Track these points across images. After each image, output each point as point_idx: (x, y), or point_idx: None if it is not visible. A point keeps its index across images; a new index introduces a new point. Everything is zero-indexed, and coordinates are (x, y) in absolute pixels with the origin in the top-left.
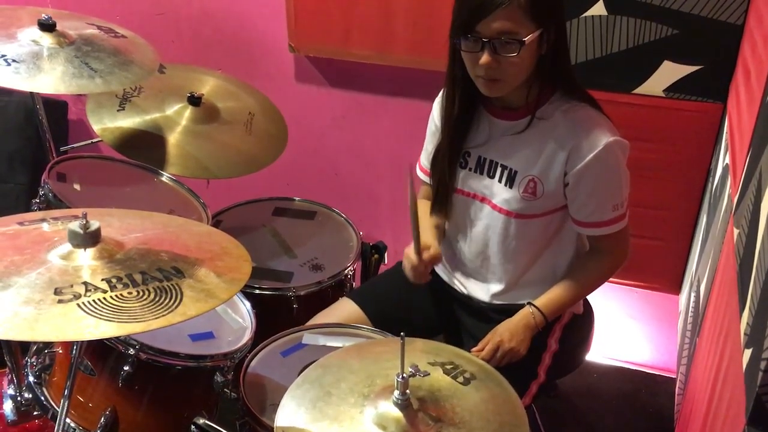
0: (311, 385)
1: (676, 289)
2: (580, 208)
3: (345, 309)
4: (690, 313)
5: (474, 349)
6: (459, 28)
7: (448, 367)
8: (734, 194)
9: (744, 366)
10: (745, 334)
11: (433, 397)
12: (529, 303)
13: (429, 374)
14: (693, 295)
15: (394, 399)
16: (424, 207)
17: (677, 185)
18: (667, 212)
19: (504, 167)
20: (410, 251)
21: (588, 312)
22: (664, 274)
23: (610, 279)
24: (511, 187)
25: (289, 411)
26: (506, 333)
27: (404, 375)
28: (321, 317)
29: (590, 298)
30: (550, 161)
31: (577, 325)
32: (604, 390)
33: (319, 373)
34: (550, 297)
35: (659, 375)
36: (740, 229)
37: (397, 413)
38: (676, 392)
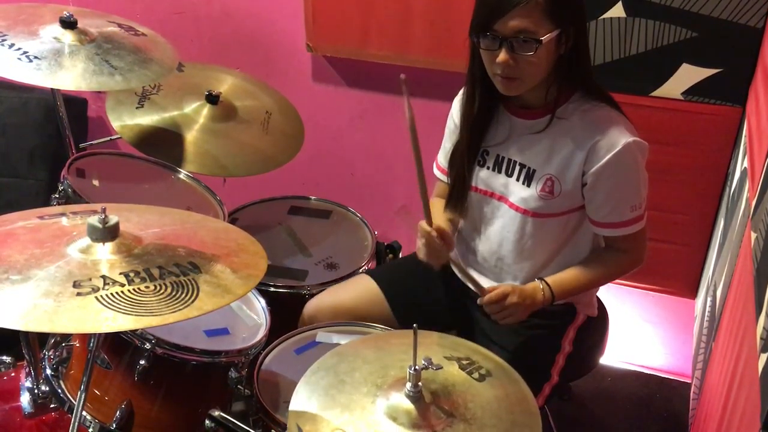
0: (326, 372)
1: (693, 293)
2: (597, 208)
3: (362, 285)
4: (706, 318)
5: (485, 296)
6: (477, 26)
7: (465, 362)
8: (752, 198)
9: (760, 370)
10: (761, 338)
11: (446, 391)
12: (540, 278)
13: (441, 367)
14: (709, 299)
15: (406, 391)
16: (438, 204)
17: (695, 189)
18: (685, 216)
19: (522, 166)
20: (423, 223)
21: (602, 314)
22: (680, 278)
23: (626, 282)
24: (528, 185)
25: (302, 396)
26: (517, 289)
27: (416, 367)
28: (336, 290)
29: (605, 300)
30: (568, 160)
31: (591, 327)
32: (618, 394)
33: (335, 361)
34: (562, 276)
35: (674, 379)
36: (758, 233)
37: (408, 405)
38: (691, 397)
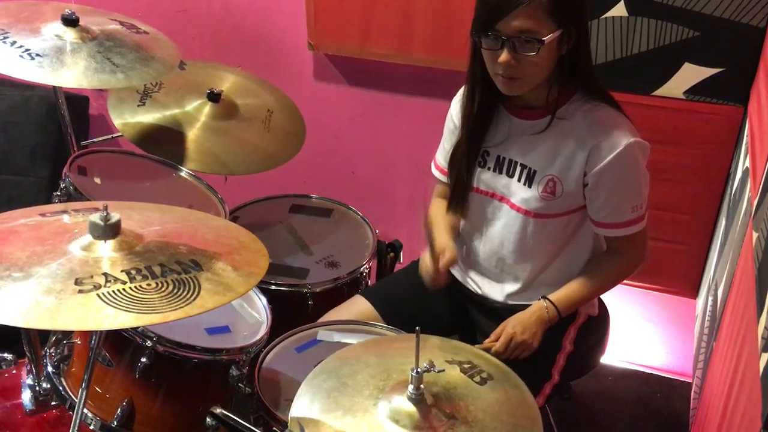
0: (328, 376)
1: (694, 292)
2: (598, 208)
3: (358, 306)
4: (707, 317)
5: (487, 340)
6: (479, 25)
7: (466, 366)
8: (754, 198)
9: (761, 370)
10: (762, 338)
11: (448, 394)
12: (544, 297)
13: (443, 370)
14: (710, 298)
15: (408, 393)
16: (440, 206)
17: (696, 188)
18: (686, 215)
19: (523, 166)
20: (427, 257)
21: (603, 314)
22: (681, 278)
23: (627, 281)
24: (530, 186)
25: (304, 399)
26: (519, 325)
27: (418, 369)
28: (334, 314)
29: (606, 300)
30: (569, 161)
31: (592, 326)
32: (619, 393)
33: (337, 364)
34: (566, 292)
35: (675, 379)
36: (759, 232)
37: (410, 408)
38: (692, 396)
